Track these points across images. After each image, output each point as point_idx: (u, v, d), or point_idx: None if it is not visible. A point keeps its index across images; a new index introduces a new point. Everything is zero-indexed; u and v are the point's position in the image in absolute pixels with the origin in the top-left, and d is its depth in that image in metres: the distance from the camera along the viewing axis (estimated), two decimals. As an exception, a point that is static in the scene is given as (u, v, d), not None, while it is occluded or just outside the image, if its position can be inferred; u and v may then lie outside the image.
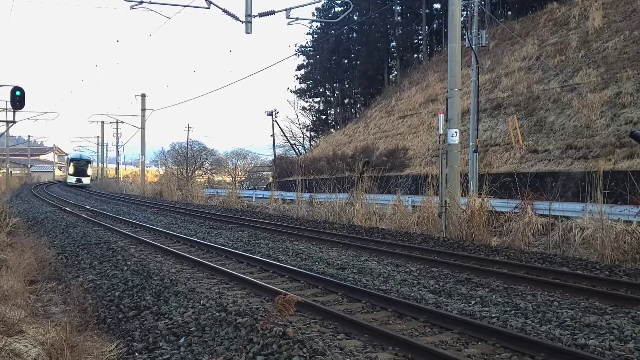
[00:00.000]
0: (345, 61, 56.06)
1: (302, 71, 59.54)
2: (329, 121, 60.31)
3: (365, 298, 7.49)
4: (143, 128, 48.87)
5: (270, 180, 44.15)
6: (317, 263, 10.21)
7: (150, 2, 16.70)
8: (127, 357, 5.73)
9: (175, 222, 18.57)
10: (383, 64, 51.23)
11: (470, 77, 22.44)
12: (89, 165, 62.90)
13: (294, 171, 37.18)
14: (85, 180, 59.38)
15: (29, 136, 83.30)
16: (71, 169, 59.89)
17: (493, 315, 6.55)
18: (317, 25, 55.73)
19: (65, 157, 72.58)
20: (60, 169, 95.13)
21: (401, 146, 32.84)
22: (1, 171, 57.74)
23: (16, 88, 16.43)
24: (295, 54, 57.13)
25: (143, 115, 48.95)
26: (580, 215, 13.08)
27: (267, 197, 30.29)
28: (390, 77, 52.37)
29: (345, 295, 7.76)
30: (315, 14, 52.61)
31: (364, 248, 12.15)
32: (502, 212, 15.32)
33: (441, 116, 14.77)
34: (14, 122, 24.55)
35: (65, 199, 32.92)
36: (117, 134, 71.26)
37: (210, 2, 16.56)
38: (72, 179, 59.00)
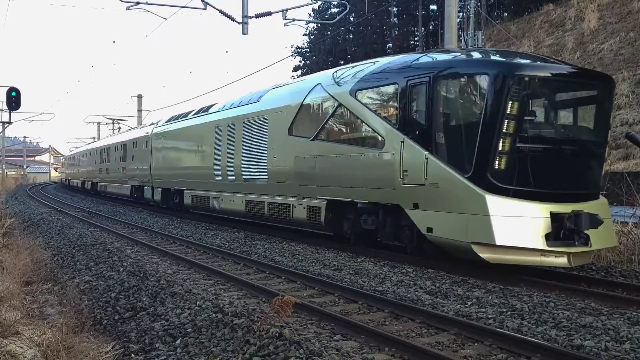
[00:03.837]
0: (342, 62, 56.07)
1: (299, 72, 59.51)
2: (326, 122, 60.26)
3: (361, 299, 7.49)
4: (139, 129, 48.72)
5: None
6: (313, 264, 10.20)
7: (146, 3, 16.72)
8: (123, 358, 5.73)
9: (172, 223, 18.53)
10: (379, 65, 51.26)
11: (466, 79, 22.42)
12: None
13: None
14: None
15: (24, 137, 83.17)
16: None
17: (489, 316, 6.56)
18: (313, 27, 55.78)
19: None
20: (56, 169, 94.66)
21: (397, 147, 32.82)
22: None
23: (12, 89, 16.42)
24: (292, 55, 57.16)
25: (139, 116, 48.87)
26: (576, 216, 13.06)
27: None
28: (387, 78, 52.38)
29: (341, 296, 7.75)
30: (312, 15, 52.66)
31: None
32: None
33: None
34: (9, 122, 24.56)
35: (61, 200, 32.83)
36: (113, 135, 71.07)
37: (207, 3, 16.58)
38: None
